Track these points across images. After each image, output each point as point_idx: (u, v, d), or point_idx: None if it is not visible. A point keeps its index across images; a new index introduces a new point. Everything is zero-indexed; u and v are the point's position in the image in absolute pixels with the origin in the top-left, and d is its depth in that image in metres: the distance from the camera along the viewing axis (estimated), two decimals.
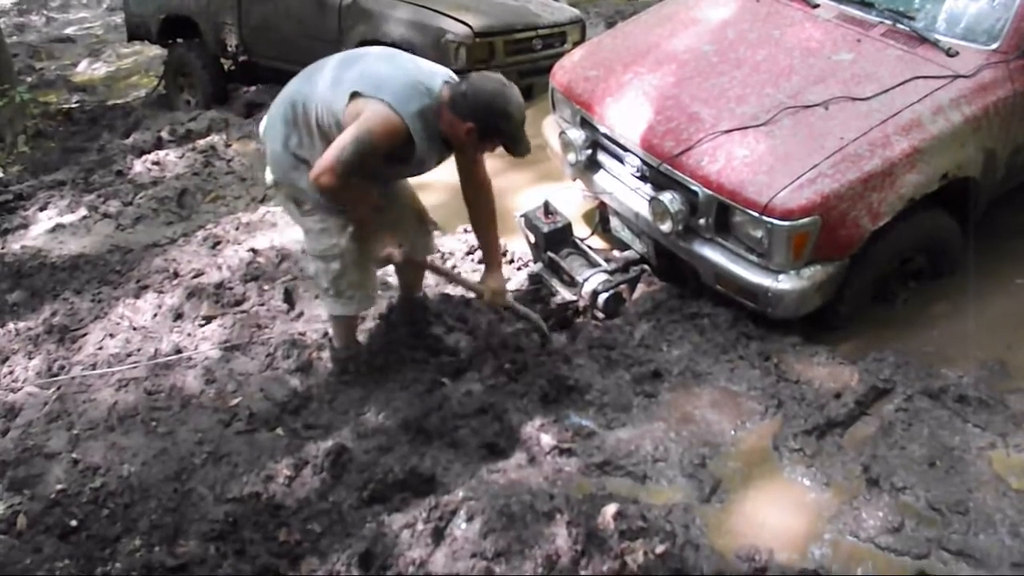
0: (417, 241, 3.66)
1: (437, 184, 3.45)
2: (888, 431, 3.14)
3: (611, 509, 2.75)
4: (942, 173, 3.54)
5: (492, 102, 3.02)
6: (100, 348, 4.04)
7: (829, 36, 3.98)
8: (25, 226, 5.77)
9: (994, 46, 3.66)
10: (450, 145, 3.21)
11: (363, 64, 3.16)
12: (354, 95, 3.02)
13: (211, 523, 2.91)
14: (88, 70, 10.87)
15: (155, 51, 9.63)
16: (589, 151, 4.24)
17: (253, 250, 4.67)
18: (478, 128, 3.04)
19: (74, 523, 2.98)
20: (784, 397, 3.32)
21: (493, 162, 3.44)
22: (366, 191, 3.22)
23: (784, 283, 3.44)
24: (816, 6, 4.19)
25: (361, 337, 3.77)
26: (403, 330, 3.80)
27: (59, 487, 3.14)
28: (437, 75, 3.15)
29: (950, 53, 3.67)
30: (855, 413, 3.24)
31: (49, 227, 5.65)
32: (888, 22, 3.92)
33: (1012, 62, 3.65)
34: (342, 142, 2.97)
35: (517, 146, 3.11)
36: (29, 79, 9.95)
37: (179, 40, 8.40)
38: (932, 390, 3.28)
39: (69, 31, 12.98)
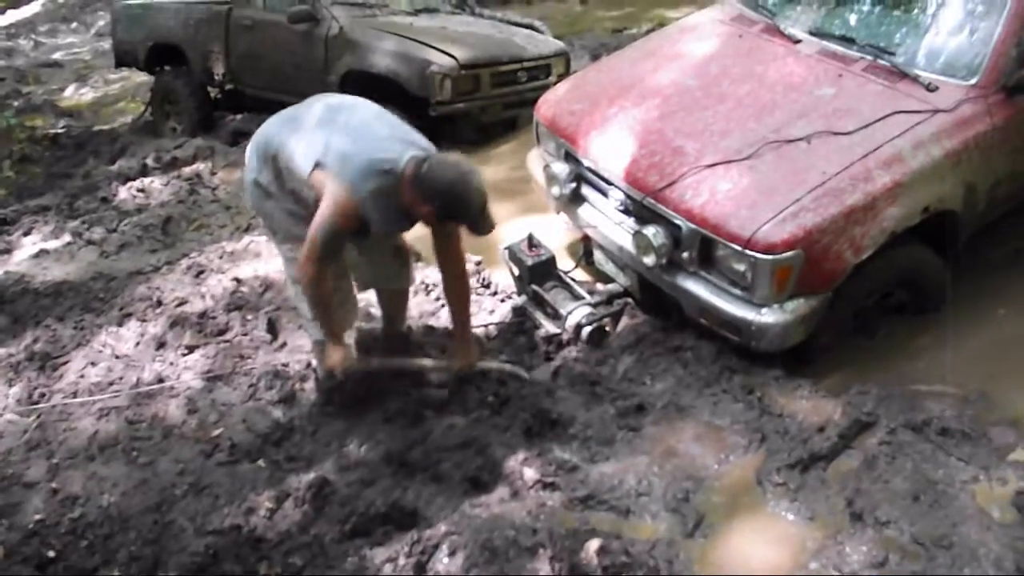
0: (394, 274, 3.73)
1: None
2: (871, 465, 3.13)
3: (594, 544, 2.74)
4: (923, 207, 3.57)
5: (450, 190, 3.05)
6: (82, 376, 4.01)
7: (811, 71, 4.02)
8: (8, 251, 5.75)
9: (973, 81, 3.70)
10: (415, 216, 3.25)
11: (339, 124, 3.20)
12: (319, 164, 3.11)
13: (191, 555, 2.88)
14: (75, 95, 10.87)
15: (142, 78, 9.64)
16: (573, 184, 4.24)
17: (237, 279, 4.66)
18: (437, 212, 3.09)
19: (52, 554, 2.95)
20: (767, 431, 3.32)
21: None
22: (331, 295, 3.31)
23: (767, 317, 3.45)
24: (798, 41, 4.23)
25: None
26: None
27: (37, 517, 3.11)
28: (409, 146, 3.16)
29: (930, 88, 3.72)
30: (838, 447, 3.23)
31: (33, 252, 5.63)
32: (869, 57, 3.96)
33: (991, 97, 3.70)
34: (312, 233, 3.09)
35: (477, 229, 3.17)
36: (16, 103, 9.97)
37: (166, 67, 8.43)
38: (915, 423, 3.28)
39: (57, 56, 13.00)
